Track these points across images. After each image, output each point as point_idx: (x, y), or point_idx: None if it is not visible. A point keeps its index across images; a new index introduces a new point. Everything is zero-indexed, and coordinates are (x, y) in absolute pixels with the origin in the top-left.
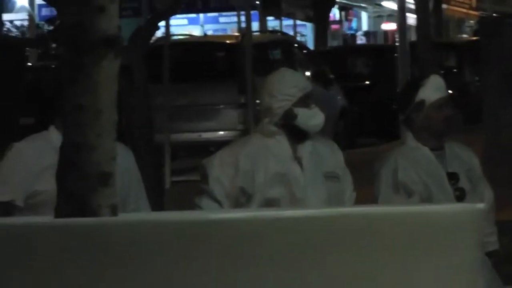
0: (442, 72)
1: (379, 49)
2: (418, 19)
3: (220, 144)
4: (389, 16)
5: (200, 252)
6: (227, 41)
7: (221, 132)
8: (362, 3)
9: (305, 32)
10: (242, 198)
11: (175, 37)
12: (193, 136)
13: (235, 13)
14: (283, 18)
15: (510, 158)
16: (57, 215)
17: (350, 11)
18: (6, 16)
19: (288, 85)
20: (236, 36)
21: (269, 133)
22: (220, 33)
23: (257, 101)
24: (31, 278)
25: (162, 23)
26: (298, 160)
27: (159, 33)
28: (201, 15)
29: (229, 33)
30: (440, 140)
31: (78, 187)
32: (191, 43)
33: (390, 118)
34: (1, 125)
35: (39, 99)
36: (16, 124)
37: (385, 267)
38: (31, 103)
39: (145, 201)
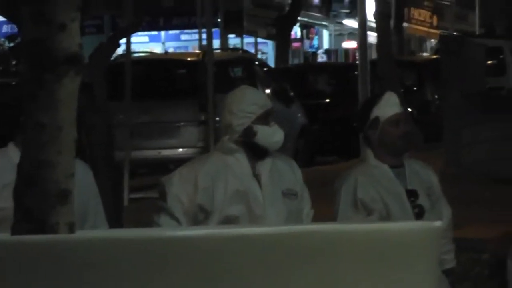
0: (403, 90)
1: (340, 67)
2: (379, 37)
3: (180, 162)
4: (350, 34)
5: (158, 270)
6: (188, 59)
7: (181, 150)
8: (324, 21)
9: (266, 50)
10: (200, 216)
11: (136, 55)
12: (153, 153)
13: (196, 30)
14: (244, 36)
15: (469, 176)
16: (13, 232)
17: (312, 29)
18: None
19: (248, 103)
20: (198, 54)
21: (229, 151)
22: (181, 51)
23: (217, 118)
24: None
25: (123, 40)
26: (257, 177)
27: (120, 50)
28: (163, 33)
29: (190, 50)
30: (399, 157)
31: (36, 204)
32: (152, 60)
33: (350, 136)
34: None
35: None
36: None
37: (342, 284)
38: None
39: (103, 218)
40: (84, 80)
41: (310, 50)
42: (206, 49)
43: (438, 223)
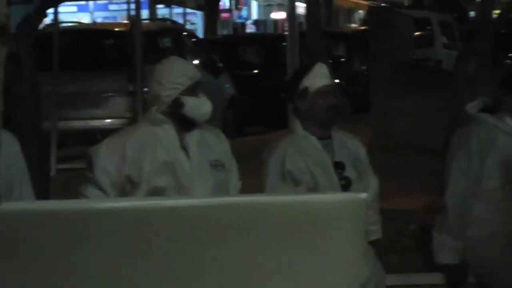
0: (331, 61)
1: (268, 38)
2: (308, 8)
3: (108, 132)
4: (279, 5)
5: (84, 241)
6: (117, 29)
7: (109, 120)
8: None
9: (196, 21)
10: (128, 187)
11: (64, 25)
12: (81, 123)
13: (125, 0)
14: (173, 6)
15: (397, 147)
16: None
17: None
18: None
19: (176, 74)
20: (126, 24)
21: (157, 122)
22: (109, 21)
23: (146, 89)
24: None
25: (51, 10)
26: (185, 148)
27: (48, 20)
28: (91, 3)
29: (119, 20)
30: (327, 129)
31: None
32: (80, 30)
33: (279, 107)
34: None
35: None
36: None
37: (269, 255)
38: None
39: (30, 189)
40: (11, 50)
41: (239, 21)
42: (135, 20)
43: (363, 195)
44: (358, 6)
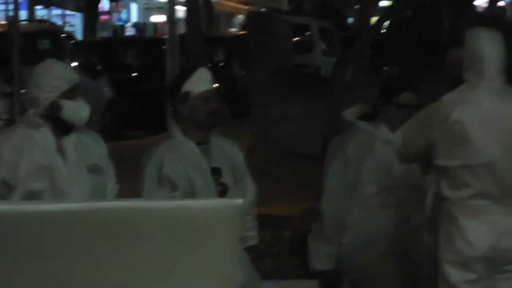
0: (210, 65)
1: (148, 41)
2: (188, 12)
3: None
4: (159, 8)
5: None
6: None
7: None
8: None
9: (75, 23)
10: (3, 190)
11: None
12: None
13: (3, 0)
14: (52, 7)
15: (276, 153)
16: None
17: (120, 2)
18: None
19: (55, 77)
20: (3, 25)
21: (34, 124)
22: None
23: (23, 91)
24: None
25: None
26: (62, 152)
27: None
28: None
29: None
30: (206, 133)
31: None
32: None
33: (158, 110)
34: None
35: None
36: None
37: (143, 261)
38: None
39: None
40: None
41: (118, 23)
42: (12, 20)
43: (240, 201)
44: (238, 11)
